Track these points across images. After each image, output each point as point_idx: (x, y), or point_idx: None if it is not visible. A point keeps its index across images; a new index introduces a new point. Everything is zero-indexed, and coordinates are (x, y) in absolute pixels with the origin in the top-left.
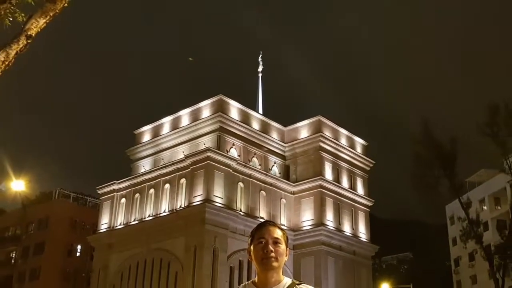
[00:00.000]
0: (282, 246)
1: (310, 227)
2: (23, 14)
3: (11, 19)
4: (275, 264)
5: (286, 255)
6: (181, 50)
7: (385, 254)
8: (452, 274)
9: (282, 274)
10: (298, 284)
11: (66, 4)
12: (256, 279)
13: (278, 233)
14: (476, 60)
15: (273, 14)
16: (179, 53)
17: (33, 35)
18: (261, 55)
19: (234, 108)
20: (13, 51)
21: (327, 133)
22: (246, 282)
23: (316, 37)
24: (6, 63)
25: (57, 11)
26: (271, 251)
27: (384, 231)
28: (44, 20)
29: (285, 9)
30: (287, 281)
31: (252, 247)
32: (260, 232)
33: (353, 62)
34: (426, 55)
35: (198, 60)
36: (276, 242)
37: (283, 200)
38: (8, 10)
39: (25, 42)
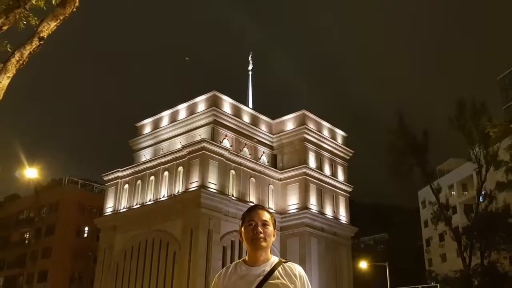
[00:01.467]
0: (270, 228)
1: (295, 210)
2: (35, 18)
3: (25, 22)
4: (263, 244)
5: (273, 236)
6: (178, 50)
7: (363, 235)
8: (424, 253)
9: (270, 253)
10: (284, 262)
11: (74, 9)
12: (246, 257)
13: (266, 216)
14: (446, 60)
15: (260, 16)
16: (177, 53)
17: (45, 36)
18: (251, 55)
19: (227, 103)
20: (27, 51)
21: (311, 125)
22: (238, 260)
23: (299, 37)
24: (21, 62)
25: (66, 15)
26: (260, 232)
27: (362, 214)
28: (55, 23)
29: (272, 11)
30: (275, 259)
31: (243, 228)
32: (250, 215)
33: (330, 61)
34: (399, 55)
35: (194, 60)
36: (264, 224)
37: (271, 186)
38: (22, 15)
39: (37, 43)
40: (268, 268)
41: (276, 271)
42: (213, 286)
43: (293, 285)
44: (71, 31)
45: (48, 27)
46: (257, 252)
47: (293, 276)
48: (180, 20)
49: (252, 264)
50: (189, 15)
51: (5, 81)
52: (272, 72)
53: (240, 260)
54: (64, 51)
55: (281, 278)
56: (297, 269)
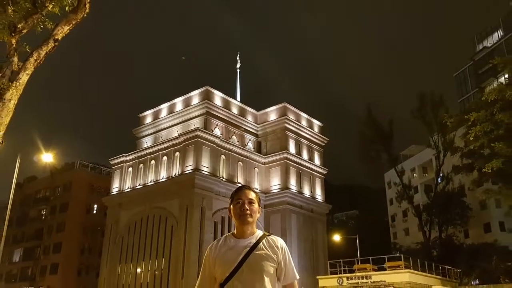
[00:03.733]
0: (256, 205)
1: (277, 190)
2: (51, 22)
3: (42, 26)
4: (250, 219)
5: (258, 213)
6: (176, 51)
7: (336, 211)
8: (389, 227)
9: (255, 228)
10: (268, 235)
11: (85, 15)
12: (235, 231)
13: (252, 195)
14: (410, 59)
15: (247, 17)
16: (174, 53)
17: (59, 39)
18: (239, 55)
19: (218, 97)
20: (43, 51)
21: (291, 116)
22: (227, 234)
23: (282, 37)
24: (38, 61)
25: (78, 20)
26: (247, 209)
27: (336, 194)
28: (68, 27)
29: (258, 12)
30: (259, 233)
31: (232, 206)
32: (238, 194)
33: (310, 59)
34: (370, 55)
35: (190, 59)
36: (250, 202)
37: (256, 169)
38: (39, 19)
39: (53, 45)
40: (253, 241)
41: (261, 243)
42: (206, 256)
43: (275, 255)
44: (82, 32)
45: (62, 31)
46: (244, 226)
47: (275, 247)
48: (178, 25)
49: (240, 237)
50: (187, 21)
51: (25, 78)
52: (258, 69)
53: (229, 233)
54: (76, 50)
55: (265, 249)
56: (279, 241)
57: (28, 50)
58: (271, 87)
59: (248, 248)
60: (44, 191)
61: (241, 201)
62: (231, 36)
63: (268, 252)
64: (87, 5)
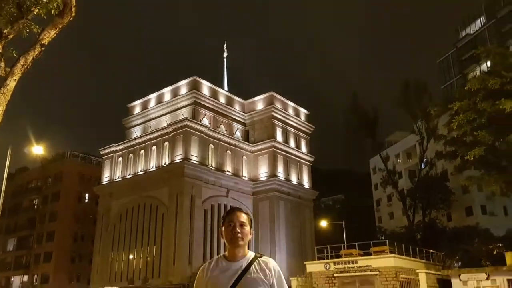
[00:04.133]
0: (247, 228)
1: (265, 178)
2: (37, 26)
3: (28, 30)
4: (241, 242)
5: (250, 234)
6: (163, 41)
7: (323, 196)
8: (374, 211)
9: (247, 249)
10: (259, 257)
11: (71, 18)
12: (226, 253)
13: (243, 217)
14: (394, 47)
15: (234, 5)
16: (163, 44)
17: (46, 43)
18: (225, 44)
19: (205, 86)
20: (30, 57)
21: (278, 105)
22: (218, 256)
23: (270, 26)
24: (25, 66)
25: (64, 24)
26: (238, 232)
27: (322, 179)
28: (54, 31)
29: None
30: (251, 255)
31: (223, 228)
32: (229, 217)
33: (297, 49)
34: (351, 44)
35: (179, 48)
36: (242, 224)
37: (245, 157)
38: (25, 24)
39: (39, 49)
40: (245, 264)
41: (252, 266)
42: (197, 278)
43: (267, 278)
44: (72, 24)
45: (49, 35)
46: (235, 249)
47: (267, 269)
48: (165, 16)
49: (232, 259)
50: (175, 13)
51: (12, 84)
52: (246, 58)
53: (221, 255)
54: (64, 41)
55: (256, 272)
56: (271, 263)
57: (15, 55)
58: (258, 76)
59: (240, 272)
60: (36, 181)
61: (233, 223)
62: (218, 22)
63: (259, 275)
64: (73, 9)
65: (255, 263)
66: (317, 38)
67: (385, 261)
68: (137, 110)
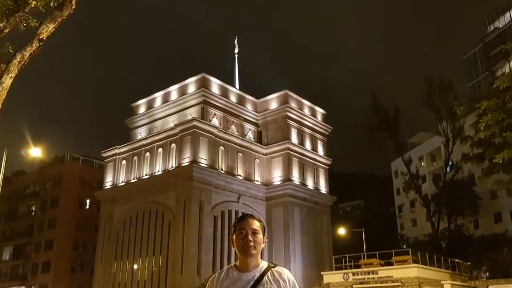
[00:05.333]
0: (260, 236)
1: (279, 182)
2: (35, 20)
3: (25, 24)
4: (253, 251)
5: (263, 243)
6: (170, 36)
7: (341, 202)
8: (396, 218)
9: (260, 259)
10: (273, 267)
11: (71, 11)
12: (237, 263)
13: (256, 225)
14: (418, 44)
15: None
16: (168, 36)
17: (44, 38)
18: (236, 39)
19: (215, 84)
20: (27, 52)
21: (293, 104)
22: (229, 265)
23: (278, 21)
24: (22, 63)
25: (64, 17)
26: (250, 241)
27: (340, 183)
28: (53, 25)
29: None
30: (264, 264)
31: (234, 236)
32: (241, 224)
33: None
34: (370, 42)
35: (185, 43)
36: (254, 232)
37: (257, 160)
38: (22, 17)
39: (37, 45)
40: (258, 274)
41: (266, 276)
42: None
43: None
44: (72, 18)
45: (47, 29)
46: (247, 259)
47: (281, 280)
48: (168, 9)
49: (243, 270)
50: (175, 4)
51: (8, 81)
52: (258, 54)
53: (232, 265)
54: (64, 35)
55: (270, 283)
56: (285, 273)
57: (11, 51)
58: (271, 73)
59: (252, 283)
60: (33, 185)
61: (244, 231)
62: (227, 16)
63: (273, 287)
64: (73, 1)
65: (269, 273)
66: (333, 33)
67: (407, 272)
68: (142, 109)
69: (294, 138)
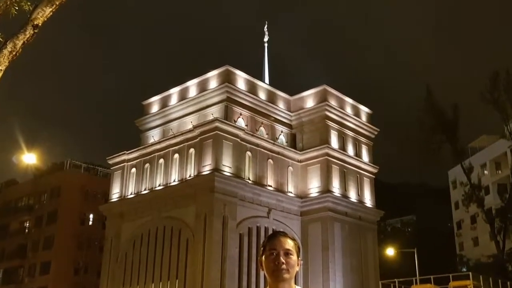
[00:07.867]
0: (294, 257)
1: (317, 194)
2: (29, 3)
3: (17, 8)
4: (286, 276)
5: (298, 265)
6: (187, 18)
7: (389, 217)
8: (454, 236)
9: (294, 284)
10: None
11: None
12: None
13: (289, 244)
14: (476, 32)
15: None
16: (185, 22)
17: (40, 24)
18: (266, 25)
19: (241, 79)
20: (20, 41)
21: (333, 102)
22: None
23: (317, 9)
24: (14, 53)
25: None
26: (283, 263)
27: (388, 195)
28: (50, 9)
29: None
30: None
31: (263, 257)
32: (272, 243)
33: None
34: (421, 26)
35: (206, 30)
36: (287, 253)
37: (290, 168)
38: (13, 1)
39: (32, 32)
40: None
41: None
42: None
43: None
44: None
45: (43, 14)
46: (279, 284)
47: None
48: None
49: None
50: None
51: None
52: (291, 44)
53: None
54: (63, 23)
55: None
56: None
57: (1, 39)
58: (306, 66)
59: None
60: (27, 198)
61: (276, 252)
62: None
63: None
64: None
65: None
66: (376, 18)
67: None
68: (155, 108)
69: (334, 142)
